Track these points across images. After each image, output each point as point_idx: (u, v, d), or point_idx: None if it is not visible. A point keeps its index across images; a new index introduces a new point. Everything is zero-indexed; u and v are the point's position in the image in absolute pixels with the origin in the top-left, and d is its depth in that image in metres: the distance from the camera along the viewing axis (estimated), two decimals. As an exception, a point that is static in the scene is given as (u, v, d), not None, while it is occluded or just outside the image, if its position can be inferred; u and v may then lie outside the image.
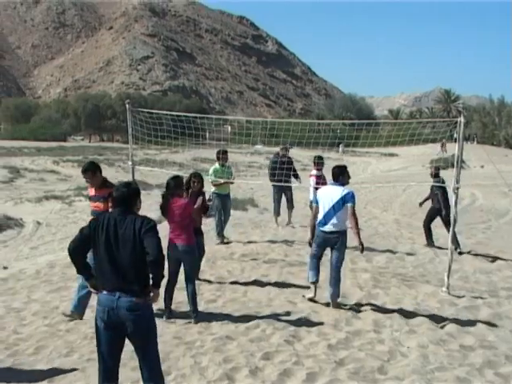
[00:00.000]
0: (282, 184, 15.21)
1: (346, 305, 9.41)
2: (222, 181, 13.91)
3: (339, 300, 9.42)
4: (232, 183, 14.73)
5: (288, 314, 9.04)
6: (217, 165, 14.19)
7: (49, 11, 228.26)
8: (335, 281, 9.23)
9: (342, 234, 9.22)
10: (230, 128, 35.29)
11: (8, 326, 8.30)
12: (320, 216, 9.26)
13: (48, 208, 19.80)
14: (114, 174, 30.60)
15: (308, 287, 9.81)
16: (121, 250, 5.34)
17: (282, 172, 14.90)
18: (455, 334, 8.34)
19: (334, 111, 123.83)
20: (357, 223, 9.15)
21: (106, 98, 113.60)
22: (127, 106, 11.72)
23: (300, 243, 14.28)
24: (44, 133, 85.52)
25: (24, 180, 28.92)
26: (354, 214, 9.12)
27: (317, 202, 9.45)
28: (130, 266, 5.32)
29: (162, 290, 9.73)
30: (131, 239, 5.31)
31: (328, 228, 9.17)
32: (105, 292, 5.40)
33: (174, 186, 8.79)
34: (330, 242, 9.26)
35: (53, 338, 7.87)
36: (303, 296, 9.75)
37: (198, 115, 14.70)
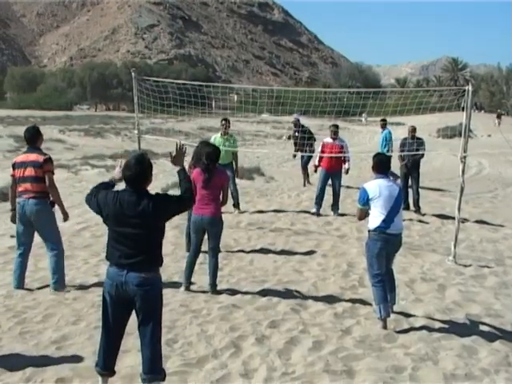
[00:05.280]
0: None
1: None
2: None
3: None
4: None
5: (294, 282, 9.06)
6: (218, 134, 13.81)
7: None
8: (394, 285, 7.80)
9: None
10: (236, 97, 35.10)
11: (15, 294, 8.33)
12: (380, 218, 7.38)
13: (54, 177, 19.76)
14: (120, 143, 30.75)
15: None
16: (133, 229, 5.13)
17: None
18: (461, 302, 8.36)
19: (341, 80, 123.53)
20: None
21: (112, 66, 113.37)
22: (133, 74, 11.69)
23: (306, 212, 14.28)
24: (50, 102, 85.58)
25: (30, 149, 28.78)
26: None
27: (365, 202, 7.49)
28: (142, 245, 5.15)
29: (183, 263, 9.75)
30: (145, 220, 5.11)
31: (396, 230, 7.48)
32: (114, 266, 5.26)
33: (214, 155, 8.43)
34: (394, 246, 7.63)
35: (60, 306, 7.90)
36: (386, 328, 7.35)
37: (204, 84, 14.57)
